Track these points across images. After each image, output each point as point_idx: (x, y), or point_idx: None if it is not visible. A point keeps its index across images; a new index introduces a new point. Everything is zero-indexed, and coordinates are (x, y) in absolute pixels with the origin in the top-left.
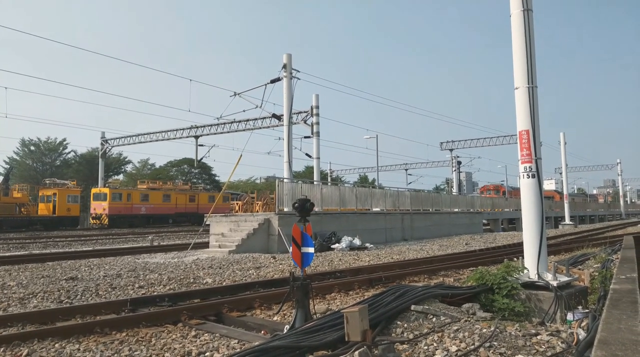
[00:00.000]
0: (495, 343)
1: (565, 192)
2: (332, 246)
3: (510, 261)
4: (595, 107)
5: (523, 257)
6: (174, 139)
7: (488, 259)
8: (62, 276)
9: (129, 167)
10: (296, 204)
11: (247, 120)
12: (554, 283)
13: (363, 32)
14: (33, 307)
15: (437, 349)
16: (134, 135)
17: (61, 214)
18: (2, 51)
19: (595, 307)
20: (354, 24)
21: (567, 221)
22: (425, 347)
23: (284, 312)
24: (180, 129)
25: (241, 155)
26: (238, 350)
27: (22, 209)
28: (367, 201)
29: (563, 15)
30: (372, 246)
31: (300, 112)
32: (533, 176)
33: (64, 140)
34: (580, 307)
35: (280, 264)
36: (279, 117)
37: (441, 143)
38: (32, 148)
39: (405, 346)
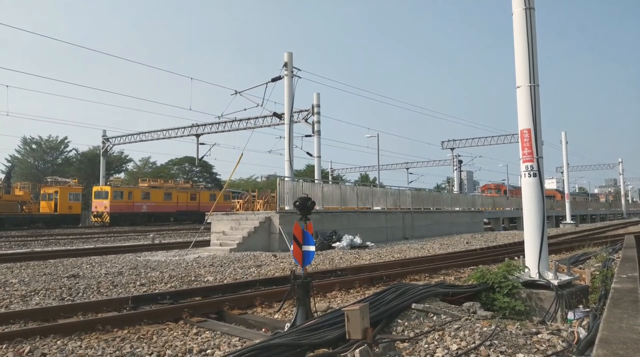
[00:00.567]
0: (495, 342)
1: (566, 191)
2: (333, 245)
3: (511, 259)
4: (597, 106)
5: (524, 256)
6: (175, 137)
7: (489, 258)
8: (64, 274)
9: (130, 166)
10: (297, 203)
11: (248, 118)
12: (555, 282)
13: (363, 32)
14: (35, 305)
15: (437, 348)
16: (135, 134)
17: (63, 212)
18: (3, 50)
19: (596, 307)
20: (354, 24)
21: (568, 220)
22: (426, 346)
23: (285, 310)
24: (182, 128)
25: (242, 154)
26: (239, 348)
27: (24, 207)
28: (368, 200)
29: (563, 14)
30: (373, 244)
31: (301, 111)
32: (534, 175)
33: (66, 138)
34: (581, 306)
35: (281, 262)
36: (280, 116)
37: (442, 142)
38: (34, 146)
39: (406, 344)
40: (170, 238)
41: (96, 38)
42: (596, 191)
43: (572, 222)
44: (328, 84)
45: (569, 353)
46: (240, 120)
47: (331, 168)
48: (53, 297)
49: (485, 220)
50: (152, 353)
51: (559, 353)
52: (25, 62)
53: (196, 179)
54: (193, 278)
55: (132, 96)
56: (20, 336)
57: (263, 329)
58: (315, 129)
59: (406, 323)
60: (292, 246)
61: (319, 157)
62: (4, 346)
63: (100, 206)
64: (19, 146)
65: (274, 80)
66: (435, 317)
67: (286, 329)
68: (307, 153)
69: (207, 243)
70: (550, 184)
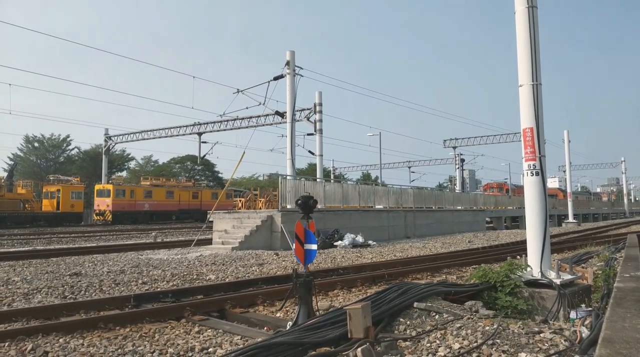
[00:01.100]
0: (498, 341)
1: (568, 190)
2: (335, 243)
3: (513, 258)
4: (600, 105)
5: (526, 255)
6: (177, 136)
7: (491, 257)
8: (66, 272)
9: (132, 164)
10: (299, 201)
11: (250, 117)
12: (557, 281)
13: (363, 31)
14: (37, 303)
15: (439, 347)
16: (137, 132)
17: (65, 210)
18: (6, 48)
19: (598, 306)
20: (354, 23)
21: (571, 219)
22: (428, 345)
23: (287, 308)
24: (184, 126)
25: (244, 153)
26: (241, 346)
27: (26, 205)
28: (370, 199)
29: (564, 11)
30: (374, 243)
31: (303, 110)
32: (537, 174)
33: (68, 136)
34: (583, 305)
35: (283, 260)
36: (282, 115)
37: (444, 141)
38: (36, 144)
39: (407, 343)
40: (172, 236)
41: (97, 37)
42: (598, 189)
43: (574, 221)
44: (330, 82)
45: (571, 352)
46: (243, 118)
47: (333, 166)
48: (55, 295)
49: (488, 219)
50: (154, 351)
51: (562, 352)
52: (28, 60)
53: (198, 177)
54: (195, 276)
55: (134, 94)
56: (23, 334)
57: (265, 328)
58: (317, 127)
59: (408, 322)
60: (294, 244)
61: (321, 155)
62: (7, 343)
63: (103, 204)
64: (22, 144)
65: (276, 78)
66: (437, 316)
67: (288, 327)
68: (309, 151)
69: (209, 241)
70: (552, 183)
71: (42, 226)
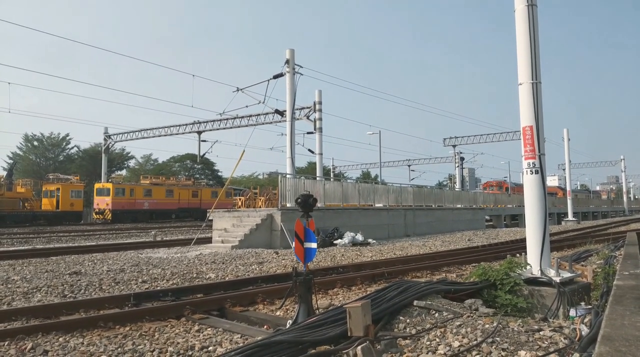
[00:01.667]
0: (497, 339)
1: (568, 188)
2: (335, 242)
3: (513, 257)
4: (599, 104)
5: (526, 253)
6: (177, 134)
7: (491, 255)
8: (66, 271)
9: (131, 163)
10: (299, 200)
11: (250, 116)
12: (557, 279)
13: (363, 31)
14: (37, 302)
15: (439, 345)
16: (136, 131)
17: (64, 209)
18: (6, 47)
19: (598, 304)
20: (354, 22)
21: (570, 217)
22: (428, 343)
23: (287, 307)
24: (183, 125)
25: (244, 151)
26: (241, 344)
27: (26, 204)
28: (370, 197)
29: (564, 9)
30: (374, 241)
31: (303, 108)
32: (536, 172)
33: (67, 135)
34: (583, 303)
35: (283, 259)
36: (281, 113)
37: (444, 139)
38: (36, 143)
39: (407, 341)
40: (172, 235)
41: (98, 35)
42: (598, 188)
43: (574, 219)
44: (330, 81)
45: (571, 350)
46: (242, 117)
47: (333, 165)
48: (55, 294)
49: (487, 217)
50: (154, 350)
51: (561, 350)
52: (27, 59)
53: (198, 176)
54: (195, 275)
55: (134, 93)
56: (23, 333)
57: (265, 326)
58: (317, 126)
59: (408, 320)
60: (293, 243)
61: (321, 154)
62: (7, 342)
63: (102, 203)
64: (21, 143)
65: (275, 77)
66: (437, 315)
67: (288, 326)
68: (309, 150)
69: (208, 240)
70: (552, 181)
71: (42, 224)
